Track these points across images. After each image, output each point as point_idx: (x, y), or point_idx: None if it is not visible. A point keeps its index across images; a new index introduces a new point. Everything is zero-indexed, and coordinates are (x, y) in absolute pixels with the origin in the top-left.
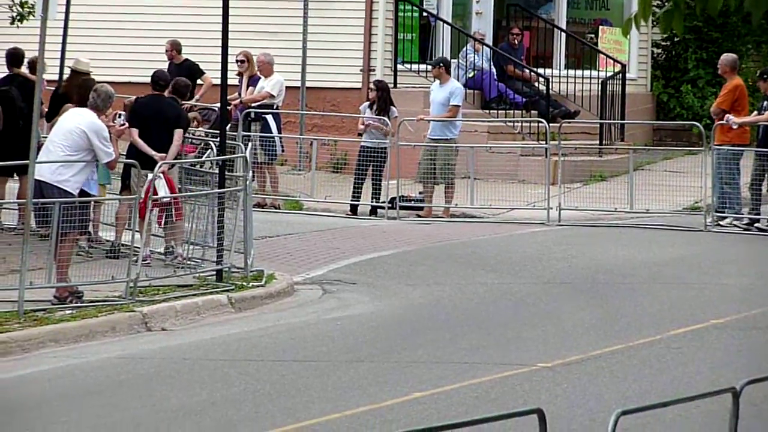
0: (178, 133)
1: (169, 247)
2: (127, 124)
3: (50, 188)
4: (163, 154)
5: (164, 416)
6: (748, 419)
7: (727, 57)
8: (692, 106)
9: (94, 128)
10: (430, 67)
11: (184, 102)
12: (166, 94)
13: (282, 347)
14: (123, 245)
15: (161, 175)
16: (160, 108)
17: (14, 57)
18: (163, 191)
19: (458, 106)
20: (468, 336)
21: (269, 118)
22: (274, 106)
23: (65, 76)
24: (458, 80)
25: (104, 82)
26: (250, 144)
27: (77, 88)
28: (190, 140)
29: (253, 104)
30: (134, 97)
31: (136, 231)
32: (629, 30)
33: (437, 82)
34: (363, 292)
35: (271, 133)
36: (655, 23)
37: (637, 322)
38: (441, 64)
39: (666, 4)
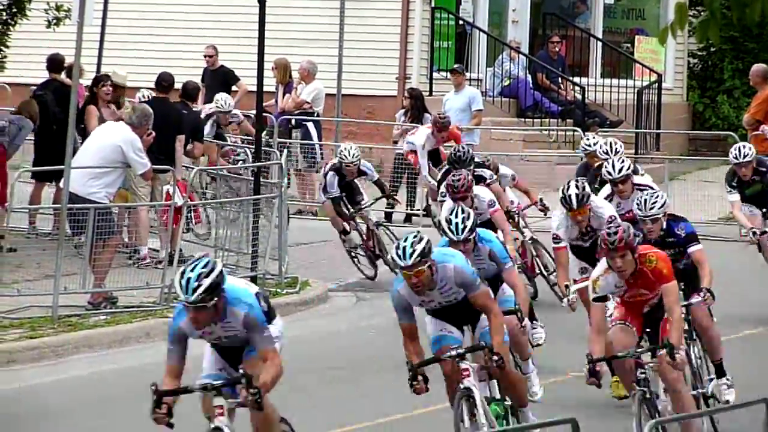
0: (180, 139)
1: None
2: (154, 134)
3: (81, 201)
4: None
5: (197, 423)
6: None
7: (758, 67)
8: (728, 116)
9: (129, 140)
10: (448, 74)
11: (195, 105)
12: (177, 98)
13: (316, 354)
14: (154, 251)
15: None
16: (163, 112)
17: (54, 62)
18: (177, 197)
19: (482, 110)
20: None
21: (310, 125)
22: (315, 114)
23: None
24: (494, 89)
25: (141, 88)
26: (285, 151)
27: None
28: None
29: (294, 111)
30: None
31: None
32: (666, 39)
33: (452, 90)
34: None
35: (312, 140)
36: (691, 33)
37: None
38: (462, 71)
39: (702, 13)
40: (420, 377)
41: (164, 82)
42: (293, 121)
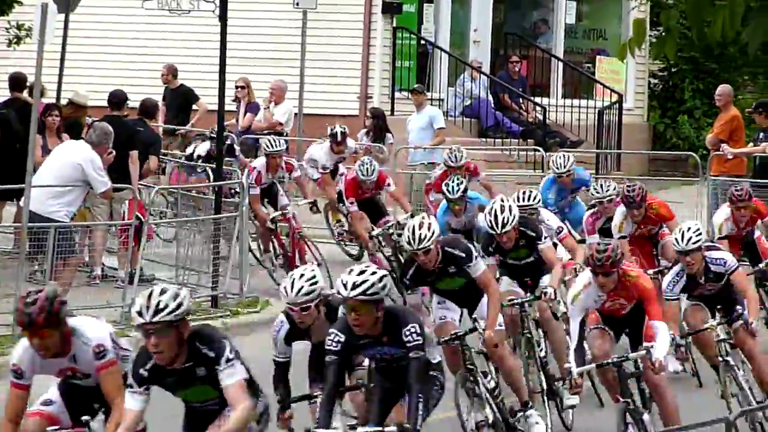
0: (131, 156)
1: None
2: (114, 152)
3: (42, 220)
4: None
5: None
6: None
7: (724, 88)
8: (688, 136)
9: (89, 159)
10: (409, 94)
11: (155, 122)
12: (134, 116)
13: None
14: (113, 268)
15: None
16: (115, 130)
17: (16, 81)
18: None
19: (444, 128)
20: None
21: None
22: (284, 133)
23: (62, 101)
24: (455, 108)
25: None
26: (246, 170)
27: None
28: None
29: (264, 130)
30: (90, 120)
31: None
32: (625, 55)
33: (414, 110)
34: None
35: None
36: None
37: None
38: (422, 91)
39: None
40: None
41: (115, 99)
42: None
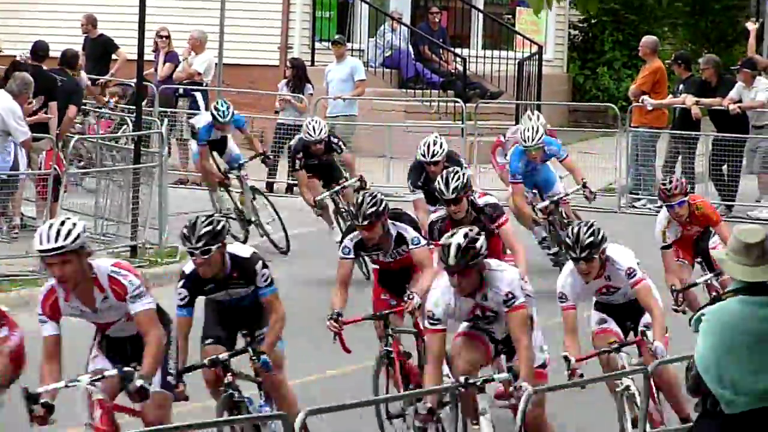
0: (51, 106)
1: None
2: (34, 102)
3: None
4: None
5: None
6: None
7: (648, 39)
8: (608, 87)
9: (9, 108)
10: (330, 45)
11: (76, 73)
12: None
13: (195, 323)
14: (31, 218)
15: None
16: (36, 80)
17: None
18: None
19: (365, 80)
20: None
21: (198, 95)
22: (203, 84)
23: None
24: (376, 59)
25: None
26: (165, 120)
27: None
28: (108, 116)
29: (183, 80)
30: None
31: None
32: (540, 9)
33: (334, 61)
34: (278, 267)
35: (199, 110)
36: (573, 5)
37: None
38: (343, 42)
39: None
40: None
41: (40, 51)
42: (181, 90)
